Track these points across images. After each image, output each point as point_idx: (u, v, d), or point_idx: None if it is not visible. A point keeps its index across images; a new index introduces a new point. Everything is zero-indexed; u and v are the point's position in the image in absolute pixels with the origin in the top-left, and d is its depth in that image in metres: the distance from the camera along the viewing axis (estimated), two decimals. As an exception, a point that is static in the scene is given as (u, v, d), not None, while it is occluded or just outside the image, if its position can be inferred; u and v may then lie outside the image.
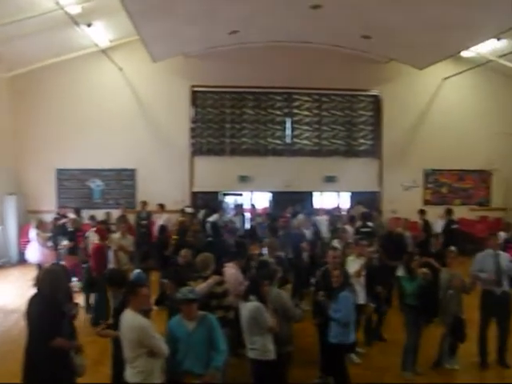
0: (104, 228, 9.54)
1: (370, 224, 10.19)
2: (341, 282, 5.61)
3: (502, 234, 9.82)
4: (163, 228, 10.09)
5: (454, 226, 11.25)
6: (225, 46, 13.76)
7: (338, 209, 13.36)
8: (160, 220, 11.79)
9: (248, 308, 4.82)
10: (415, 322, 6.23)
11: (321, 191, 15.12)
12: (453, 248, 6.93)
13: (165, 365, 4.11)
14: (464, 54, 13.66)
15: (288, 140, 14.78)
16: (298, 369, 5.85)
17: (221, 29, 12.53)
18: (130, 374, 4.02)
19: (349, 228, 9.89)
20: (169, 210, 12.60)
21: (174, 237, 9.24)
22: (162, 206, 12.43)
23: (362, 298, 6.66)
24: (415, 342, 6.24)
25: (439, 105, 15.17)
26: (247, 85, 14.40)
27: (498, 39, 11.94)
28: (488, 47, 12.68)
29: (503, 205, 15.58)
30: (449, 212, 11.50)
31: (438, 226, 11.38)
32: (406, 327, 6.34)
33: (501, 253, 6.80)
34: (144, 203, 12.77)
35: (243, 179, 14.36)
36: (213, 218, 11.20)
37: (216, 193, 14.64)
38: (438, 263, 7.02)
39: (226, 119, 14.62)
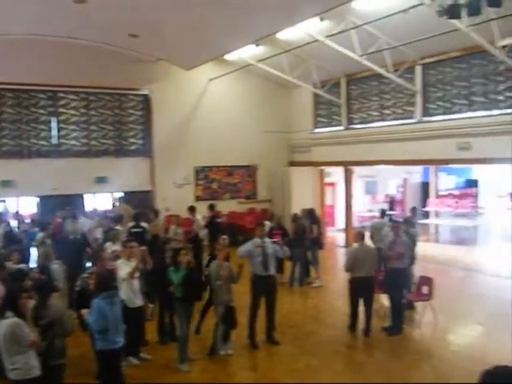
0: None
1: (142, 224, 12.55)
2: (96, 287, 6.39)
3: (268, 223, 13.69)
4: None
5: (218, 220, 14.14)
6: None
7: (109, 210, 16.05)
8: None
9: (4, 325, 5.11)
10: (185, 313, 7.70)
11: (93, 193, 17.57)
12: (225, 237, 9.06)
13: None
14: (228, 57, 17.36)
15: (54, 141, 16.55)
16: (73, 379, 6.57)
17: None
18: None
19: (120, 229, 12.61)
20: None
21: None
22: None
23: (138, 300, 7.84)
24: (186, 332, 7.71)
25: (207, 104, 19.05)
26: (5, 81, 15.53)
27: (257, 45, 16.04)
28: (249, 52, 16.54)
29: (268, 197, 20.44)
30: (211, 207, 14.39)
31: (201, 221, 14.86)
32: (176, 320, 7.85)
33: (266, 240, 8.78)
34: None
35: (5, 184, 15.52)
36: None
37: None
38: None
39: (-20, 119, 15.61)
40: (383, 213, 13.19)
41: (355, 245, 9.67)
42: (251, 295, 8.73)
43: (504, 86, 13.14)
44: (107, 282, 6.31)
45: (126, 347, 7.62)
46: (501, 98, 13.22)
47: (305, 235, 12.93)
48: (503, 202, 22.73)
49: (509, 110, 12.99)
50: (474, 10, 9.00)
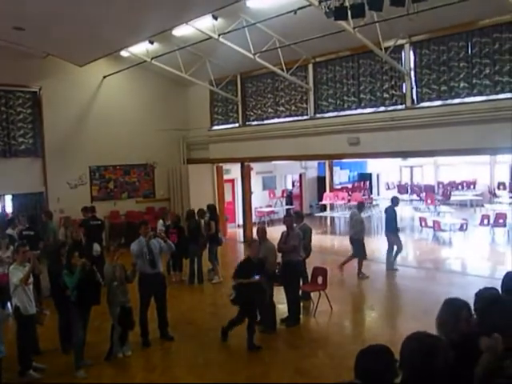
0: None
1: (33, 227, 12.13)
2: None
3: (161, 222, 13.51)
4: None
5: (95, 223, 13.37)
6: None
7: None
8: None
9: None
10: (80, 317, 7.60)
11: (-21, 195, 16.63)
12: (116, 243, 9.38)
13: None
14: (123, 53, 16.96)
15: None
16: None
17: None
18: None
19: (11, 232, 12.05)
20: None
21: None
22: None
23: (31, 308, 7.54)
24: (82, 337, 7.61)
25: (101, 102, 18.55)
26: None
27: (151, 42, 15.82)
28: (143, 48, 16.38)
29: (167, 195, 20.27)
30: (91, 210, 13.78)
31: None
32: (72, 325, 7.67)
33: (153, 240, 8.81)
34: None
35: None
36: None
37: None
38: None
39: None
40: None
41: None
42: (140, 294, 8.78)
43: (388, 85, 13.91)
44: None
45: (20, 357, 7.48)
46: (386, 95, 13.98)
47: (199, 232, 12.99)
48: (391, 194, 24.06)
49: (393, 107, 13.80)
50: (358, 13, 9.43)
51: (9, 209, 17.00)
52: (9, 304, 8.11)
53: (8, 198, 17.24)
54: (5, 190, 16.85)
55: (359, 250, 12.85)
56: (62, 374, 7.69)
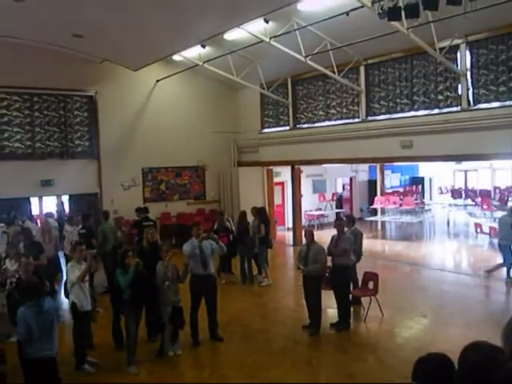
0: None
1: (87, 226, 12.36)
2: (21, 296, 6.34)
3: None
4: None
5: (148, 223, 12.87)
6: None
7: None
8: None
9: None
10: (133, 316, 7.72)
11: (38, 196, 17.17)
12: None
13: None
14: (175, 57, 17.22)
15: None
16: None
17: None
18: None
19: (70, 229, 12.40)
20: None
21: None
22: None
23: (87, 305, 7.75)
24: (135, 334, 7.71)
25: (154, 105, 18.89)
26: None
27: (203, 46, 16.01)
28: (195, 52, 16.58)
29: (217, 197, 20.43)
30: (145, 210, 13.91)
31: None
32: (126, 322, 7.82)
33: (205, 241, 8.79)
34: None
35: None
36: None
37: None
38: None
39: None
40: None
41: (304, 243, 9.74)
42: (191, 294, 8.82)
43: (443, 86, 13.57)
44: (32, 291, 6.06)
45: (76, 352, 7.72)
46: (440, 97, 13.64)
47: (248, 233, 13.02)
48: (445, 198, 23.51)
49: (447, 110, 13.44)
50: (413, 13, 9.25)
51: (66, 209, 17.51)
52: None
53: (65, 199, 17.76)
54: (62, 191, 17.43)
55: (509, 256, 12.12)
56: (114, 368, 7.86)
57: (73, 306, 7.71)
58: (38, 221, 14.55)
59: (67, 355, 7.60)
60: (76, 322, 7.82)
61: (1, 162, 16.07)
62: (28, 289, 6.19)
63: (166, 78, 18.58)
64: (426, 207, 22.09)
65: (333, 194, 23.18)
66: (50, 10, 12.57)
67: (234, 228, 13.47)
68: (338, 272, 9.50)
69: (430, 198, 26.30)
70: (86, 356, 7.87)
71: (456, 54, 13.04)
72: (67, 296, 7.92)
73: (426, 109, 14.07)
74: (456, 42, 12.71)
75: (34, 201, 17.27)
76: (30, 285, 6.34)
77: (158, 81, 18.86)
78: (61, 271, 12.49)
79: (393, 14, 9.26)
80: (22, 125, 16.62)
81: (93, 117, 17.81)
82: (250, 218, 13.44)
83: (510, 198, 21.42)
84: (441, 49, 12.49)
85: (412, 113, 14.41)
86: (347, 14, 11.16)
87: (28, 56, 15.79)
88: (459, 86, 13.21)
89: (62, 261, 12.77)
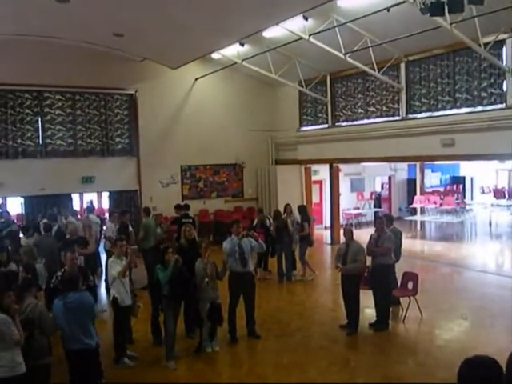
0: None
1: (124, 221, 12.46)
2: (63, 287, 6.34)
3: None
4: None
5: (187, 220, 12.81)
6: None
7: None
8: None
9: None
10: (172, 311, 7.79)
11: (79, 192, 17.54)
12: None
13: None
14: (214, 55, 17.34)
15: (40, 141, 16.43)
16: (62, 378, 6.38)
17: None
18: None
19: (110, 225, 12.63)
20: None
21: None
22: None
23: (127, 299, 7.84)
24: (173, 329, 7.81)
25: (193, 103, 19.00)
26: (-10, 82, 15.41)
27: (242, 44, 16.03)
28: (234, 51, 16.57)
29: (254, 195, 20.42)
30: (185, 207, 13.80)
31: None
32: (165, 318, 7.90)
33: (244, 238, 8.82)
34: None
35: (-8, 185, 15.34)
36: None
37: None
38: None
39: (-35, 119, 15.58)
40: None
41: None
42: (229, 291, 8.84)
43: (487, 83, 13.20)
44: (73, 282, 6.18)
45: (116, 345, 7.85)
46: (484, 94, 13.27)
47: (285, 231, 12.91)
48: (487, 198, 22.94)
49: (491, 107, 13.06)
50: (457, 8, 9.00)
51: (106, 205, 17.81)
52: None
53: (105, 195, 18.06)
54: (102, 188, 17.78)
55: None
56: (153, 363, 7.96)
57: (114, 300, 7.84)
58: (79, 216, 14.77)
59: (108, 348, 7.72)
60: (117, 316, 7.94)
61: (44, 160, 16.46)
62: (67, 281, 6.31)
63: (204, 76, 18.67)
64: (467, 207, 21.57)
65: (371, 193, 22.88)
66: (92, 9, 12.71)
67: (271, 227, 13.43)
68: (378, 271, 9.34)
69: (472, 198, 25.71)
70: (126, 349, 8.00)
71: (501, 49, 12.62)
72: (108, 291, 8.04)
73: (468, 106, 13.69)
74: (501, 36, 12.30)
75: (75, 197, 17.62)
76: (69, 277, 6.46)
77: (196, 79, 18.95)
78: (100, 266, 12.67)
79: (435, 8, 9.05)
80: (65, 123, 16.93)
81: (133, 115, 18.02)
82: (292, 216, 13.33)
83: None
84: (485, 44, 12.12)
85: (454, 110, 14.04)
86: (388, 9, 10.95)
87: (69, 56, 16.03)
88: (504, 82, 12.81)
89: (103, 256, 12.93)
